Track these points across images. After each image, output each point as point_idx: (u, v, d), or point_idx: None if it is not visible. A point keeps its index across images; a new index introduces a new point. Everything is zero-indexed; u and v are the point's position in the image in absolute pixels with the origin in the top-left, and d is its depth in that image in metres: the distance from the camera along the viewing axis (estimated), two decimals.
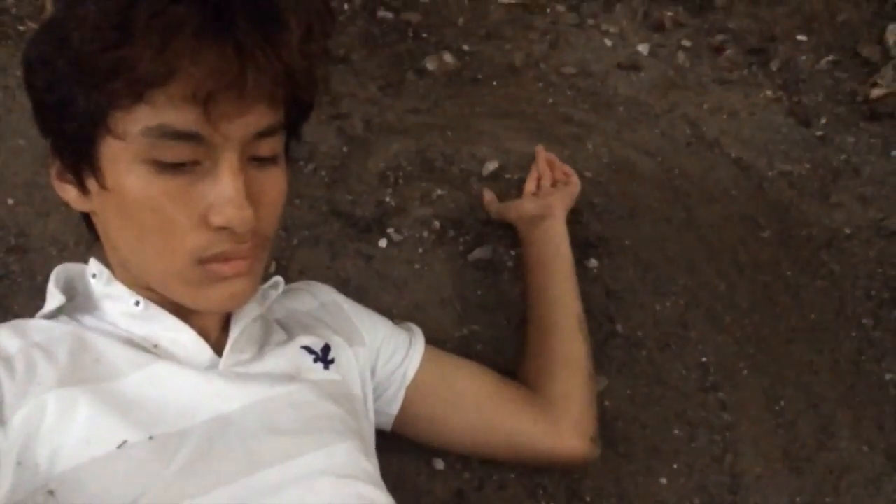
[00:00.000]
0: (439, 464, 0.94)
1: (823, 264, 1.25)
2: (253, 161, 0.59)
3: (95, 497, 0.55)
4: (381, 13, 1.48)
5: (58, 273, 0.70)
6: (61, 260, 1.05)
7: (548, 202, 1.09)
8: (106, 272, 0.67)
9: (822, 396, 1.09)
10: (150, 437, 0.58)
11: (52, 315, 0.68)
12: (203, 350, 0.66)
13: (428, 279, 1.11)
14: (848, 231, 1.30)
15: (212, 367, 0.66)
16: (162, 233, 0.57)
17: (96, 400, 0.58)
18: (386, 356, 0.84)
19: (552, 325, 0.95)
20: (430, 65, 1.41)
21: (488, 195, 1.18)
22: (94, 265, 0.68)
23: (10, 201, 1.08)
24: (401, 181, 1.23)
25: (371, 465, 0.70)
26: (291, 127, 0.64)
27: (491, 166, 1.27)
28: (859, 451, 1.05)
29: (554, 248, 1.03)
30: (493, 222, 1.19)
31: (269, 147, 0.59)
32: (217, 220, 0.56)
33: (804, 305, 1.19)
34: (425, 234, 1.16)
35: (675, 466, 1.00)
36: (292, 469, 0.62)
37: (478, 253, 1.15)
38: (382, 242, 1.14)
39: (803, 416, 1.07)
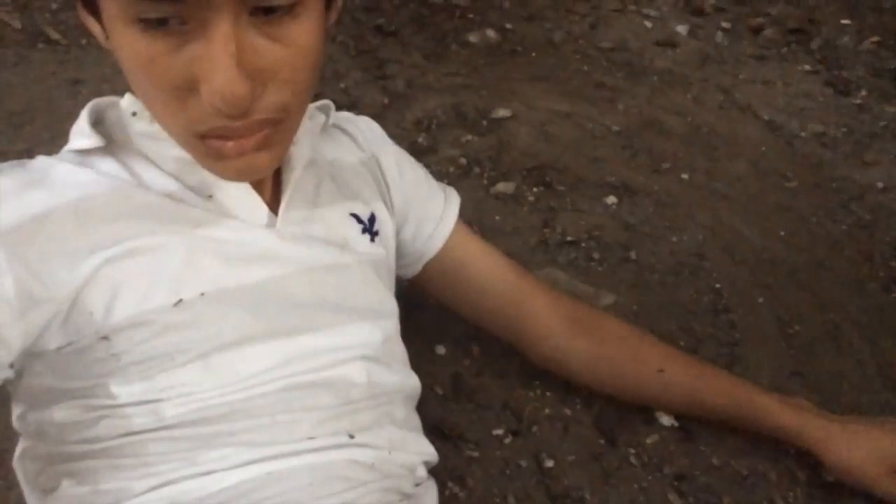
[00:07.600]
0: (440, 349, 0.99)
1: (852, 213, 1.24)
2: (260, 13, 0.47)
3: (147, 346, 0.55)
4: None
5: (90, 109, 0.61)
6: None
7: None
8: (147, 111, 0.58)
9: (843, 328, 1.08)
10: (202, 294, 0.57)
11: (82, 154, 0.60)
12: (258, 206, 0.62)
13: None
14: (881, 185, 1.28)
15: (269, 225, 0.62)
16: (160, 97, 0.50)
17: (152, 259, 0.56)
18: (412, 227, 0.81)
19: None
20: (473, 38, 1.53)
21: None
22: (131, 102, 0.59)
23: None
24: (434, 127, 1.32)
25: (401, 348, 0.72)
26: None
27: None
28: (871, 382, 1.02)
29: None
30: (518, 165, 1.26)
31: None
32: (204, 95, 0.47)
33: (833, 247, 1.18)
34: (451, 169, 1.24)
35: None
36: (331, 338, 0.63)
37: (501, 187, 1.22)
38: None
39: (818, 339, 1.05)
